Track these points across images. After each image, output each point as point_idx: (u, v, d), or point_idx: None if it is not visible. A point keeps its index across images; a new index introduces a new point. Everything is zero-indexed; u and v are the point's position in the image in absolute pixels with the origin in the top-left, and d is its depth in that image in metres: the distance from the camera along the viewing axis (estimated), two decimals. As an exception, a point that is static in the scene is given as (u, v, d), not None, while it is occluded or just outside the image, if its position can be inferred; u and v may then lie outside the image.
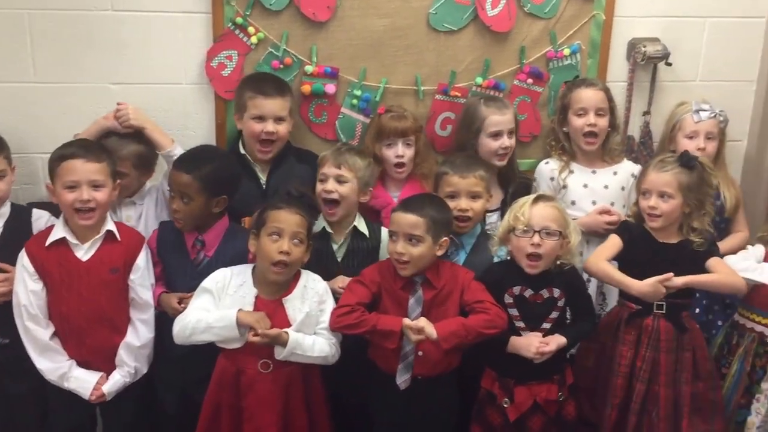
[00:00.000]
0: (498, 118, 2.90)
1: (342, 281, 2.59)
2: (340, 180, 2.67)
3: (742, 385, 2.74)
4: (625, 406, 2.66)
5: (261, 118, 2.79)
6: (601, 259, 2.67)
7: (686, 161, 2.62)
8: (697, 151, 2.91)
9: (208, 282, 2.47)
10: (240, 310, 2.38)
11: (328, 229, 2.70)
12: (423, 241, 2.43)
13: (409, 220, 2.44)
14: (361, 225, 2.72)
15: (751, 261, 2.73)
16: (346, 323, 2.41)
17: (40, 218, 2.66)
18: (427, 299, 2.48)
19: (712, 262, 2.63)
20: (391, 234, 2.49)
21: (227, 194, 2.61)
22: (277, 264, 2.38)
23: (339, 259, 2.70)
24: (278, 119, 2.80)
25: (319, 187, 2.70)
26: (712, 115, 3.00)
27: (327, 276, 2.62)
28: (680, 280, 2.55)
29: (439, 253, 2.49)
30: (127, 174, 2.69)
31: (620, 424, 2.67)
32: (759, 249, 2.79)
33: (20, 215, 2.66)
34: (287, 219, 2.40)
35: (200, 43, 2.93)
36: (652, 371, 2.62)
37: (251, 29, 2.91)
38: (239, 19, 2.89)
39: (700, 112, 3.00)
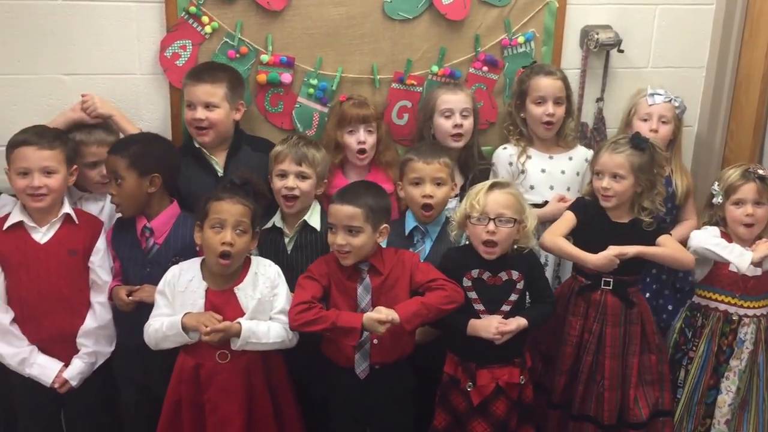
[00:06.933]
0: (449, 97, 2.93)
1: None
2: (301, 176, 2.65)
3: (710, 365, 2.79)
4: (574, 374, 2.73)
5: (192, 105, 2.76)
6: (557, 234, 2.72)
7: (637, 143, 2.67)
8: (650, 133, 2.96)
9: (161, 284, 2.44)
10: (186, 314, 2.34)
11: (279, 225, 2.69)
12: (363, 231, 2.42)
13: (346, 211, 2.42)
14: (312, 219, 2.69)
15: (720, 238, 2.77)
16: (305, 320, 2.35)
17: (5, 205, 2.63)
18: (375, 286, 2.47)
19: (662, 239, 2.69)
20: (331, 226, 2.47)
21: (159, 173, 2.55)
22: (221, 255, 2.35)
23: (288, 252, 2.68)
24: (208, 105, 2.74)
25: (278, 183, 2.67)
26: (667, 99, 3.05)
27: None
28: (633, 250, 2.62)
29: (380, 240, 2.49)
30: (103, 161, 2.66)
31: (570, 390, 2.75)
32: (714, 230, 2.83)
33: None
34: (229, 209, 2.37)
35: (154, 32, 2.89)
36: (598, 343, 2.70)
37: (205, 18, 2.89)
38: (193, 9, 2.86)
39: (655, 95, 3.05)
